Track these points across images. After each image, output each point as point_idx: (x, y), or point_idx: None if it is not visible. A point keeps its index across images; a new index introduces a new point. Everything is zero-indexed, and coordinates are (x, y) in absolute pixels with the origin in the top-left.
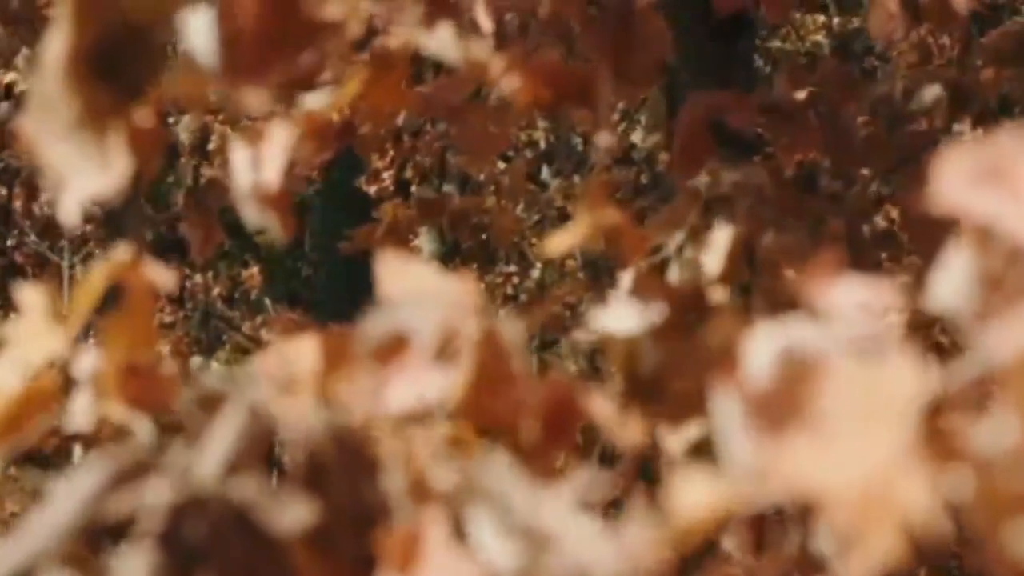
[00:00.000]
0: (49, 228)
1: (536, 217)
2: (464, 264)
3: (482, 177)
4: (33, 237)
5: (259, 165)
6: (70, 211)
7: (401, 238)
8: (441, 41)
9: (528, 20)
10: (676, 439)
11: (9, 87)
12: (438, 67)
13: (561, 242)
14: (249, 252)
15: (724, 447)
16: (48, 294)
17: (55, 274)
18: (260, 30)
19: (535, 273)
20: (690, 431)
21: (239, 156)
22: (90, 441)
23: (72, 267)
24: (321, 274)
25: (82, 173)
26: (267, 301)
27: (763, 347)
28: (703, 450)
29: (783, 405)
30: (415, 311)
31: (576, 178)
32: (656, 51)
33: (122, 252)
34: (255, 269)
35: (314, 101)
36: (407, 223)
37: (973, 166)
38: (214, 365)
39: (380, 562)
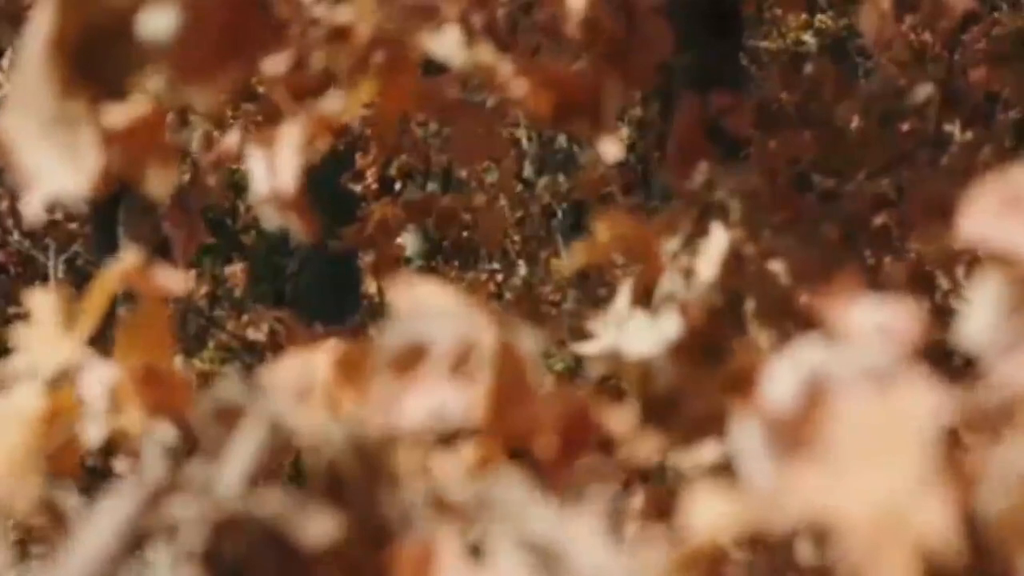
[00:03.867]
0: (35, 229)
1: (519, 214)
2: (447, 262)
3: (464, 174)
4: (17, 236)
5: (273, 169)
6: (35, 208)
7: (388, 236)
8: (448, 45)
9: (519, 19)
10: (690, 460)
11: None
12: (426, 67)
13: (579, 256)
14: (233, 250)
15: (742, 470)
16: (58, 300)
17: (39, 274)
18: (221, 29)
19: (521, 271)
20: (704, 453)
21: (255, 160)
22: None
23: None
24: (305, 272)
25: (52, 171)
26: (250, 301)
27: (784, 372)
28: (717, 472)
29: (801, 430)
30: (432, 323)
31: (561, 177)
32: (657, 52)
33: (130, 256)
34: (239, 267)
35: (326, 105)
36: (394, 221)
37: (998, 197)
38: (196, 364)
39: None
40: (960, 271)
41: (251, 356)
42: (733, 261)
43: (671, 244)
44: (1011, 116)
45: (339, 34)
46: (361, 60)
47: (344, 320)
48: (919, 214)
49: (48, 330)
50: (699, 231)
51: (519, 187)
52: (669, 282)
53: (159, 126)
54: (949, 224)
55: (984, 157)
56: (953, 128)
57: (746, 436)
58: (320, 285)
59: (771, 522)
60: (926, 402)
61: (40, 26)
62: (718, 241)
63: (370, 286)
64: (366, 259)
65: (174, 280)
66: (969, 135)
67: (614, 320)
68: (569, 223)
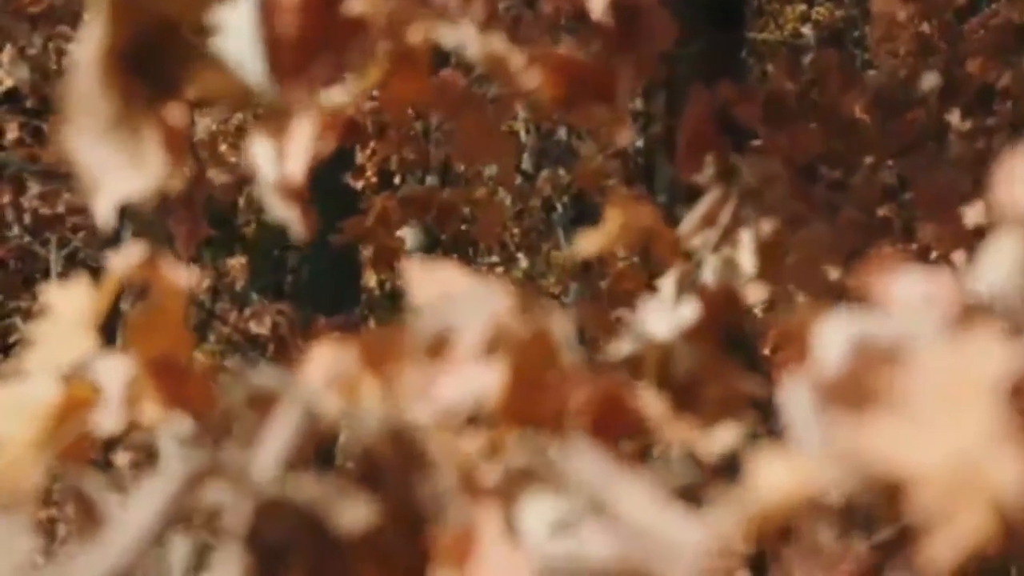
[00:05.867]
0: (37, 223)
1: (518, 207)
2: (445, 255)
3: (462, 168)
4: (16, 231)
5: (282, 159)
6: (106, 214)
7: (389, 230)
8: (461, 35)
9: (521, 11)
10: (710, 444)
11: None
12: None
13: (591, 243)
14: (233, 243)
15: (796, 434)
16: (77, 294)
17: (40, 268)
18: (302, 30)
19: (521, 264)
20: (724, 437)
21: (262, 150)
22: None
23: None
24: (306, 266)
25: (117, 175)
26: (251, 294)
27: (835, 335)
28: (736, 456)
29: (861, 389)
30: (462, 308)
31: (561, 170)
32: (660, 42)
33: (138, 249)
34: (240, 260)
35: (335, 96)
36: (396, 215)
37: None
38: (199, 357)
39: (434, 560)
40: (964, 260)
41: (253, 350)
42: (773, 249)
43: (710, 235)
44: (1008, 106)
45: (352, 25)
46: (372, 51)
47: (344, 313)
48: (928, 204)
49: (64, 324)
50: (735, 221)
51: (518, 180)
52: (708, 271)
53: (176, 119)
54: (956, 213)
55: (995, 146)
56: (952, 118)
57: (798, 398)
58: (320, 278)
59: (838, 480)
60: (995, 355)
61: (94, 32)
62: (760, 230)
63: (370, 280)
64: (366, 252)
65: (183, 274)
66: (968, 124)
67: (659, 312)
68: (570, 216)
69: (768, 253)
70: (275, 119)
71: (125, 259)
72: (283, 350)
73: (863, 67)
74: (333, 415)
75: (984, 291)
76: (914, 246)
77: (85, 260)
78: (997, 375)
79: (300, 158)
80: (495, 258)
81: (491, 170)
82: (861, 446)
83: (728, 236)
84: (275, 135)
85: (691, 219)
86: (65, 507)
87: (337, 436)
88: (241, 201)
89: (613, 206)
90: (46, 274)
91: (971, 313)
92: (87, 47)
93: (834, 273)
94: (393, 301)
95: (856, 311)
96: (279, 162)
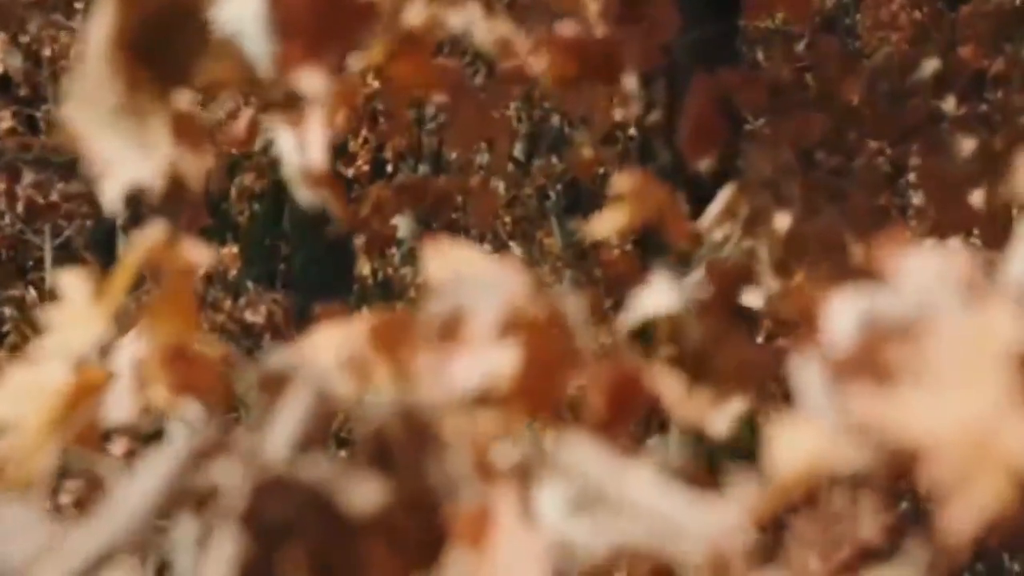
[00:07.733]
0: (30, 212)
1: (512, 195)
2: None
3: (455, 156)
4: (8, 219)
5: (303, 147)
6: (113, 199)
7: (384, 219)
8: (467, 18)
9: None
10: (720, 416)
11: None
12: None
13: (605, 224)
14: (226, 231)
15: (807, 406)
16: (88, 279)
17: (32, 257)
18: (312, 13)
19: (512, 251)
20: (733, 407)
21: (284, 138)
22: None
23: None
24: (299, 254)
25: (125, 161)
26: (245, 282)
27: (846, 307)
28: (745, 427)
29: (874, 361)
30: (476, 290)
31: (555, 158)
32: (663, 31)
33: (156, 232)
34: (232, 249)
35: (343, 79)
36: (390, 204)
37: None
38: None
39: (450, 541)
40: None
41: (248, 338)
42: (793, 239)
43: (731, 229)
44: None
45: (363, 11)
46: (378, 33)
47: (338, 301)
48: (933, 190)
49: (78, 309)
50: (754, 211)
51: (511, 168)
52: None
53: (191, 107)
54: (962, 200)
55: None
56: (946, 105)
57: (810, 371)
58: (313, 267)
59: (854, 452)
60: (1009, 325)
61: (103, 18)
62: (780, 220)
63: (363, 268)
64: (359, 241)
65: (201, 255)
66: (962, 111)
67: (666, 286)
68: (564, 204)
69: (789, 243)
70: (291, 108)
71: (146, 240)
72: (279, 339)
73: (855, 54)
74: (346, 396)
75: (1015, 279)
76: (908, 234)
77: (79, 250)
78: (1012, 345)
79: (319, 144)
80: (488, 246)
81: (484, 158)
82: (876, 417)
83: (748, 228)
84: (293, 124)
85: (710, 213)
86: (60, 499)
87: (332, 421)
88: (233, 190)
89: (623, 189)
90: (39, 263)
91: (984, 286)
92: (96, 33)
93: (850, 258)
94: (386, 290)
95: (867, 285)
96: (300, 150)
